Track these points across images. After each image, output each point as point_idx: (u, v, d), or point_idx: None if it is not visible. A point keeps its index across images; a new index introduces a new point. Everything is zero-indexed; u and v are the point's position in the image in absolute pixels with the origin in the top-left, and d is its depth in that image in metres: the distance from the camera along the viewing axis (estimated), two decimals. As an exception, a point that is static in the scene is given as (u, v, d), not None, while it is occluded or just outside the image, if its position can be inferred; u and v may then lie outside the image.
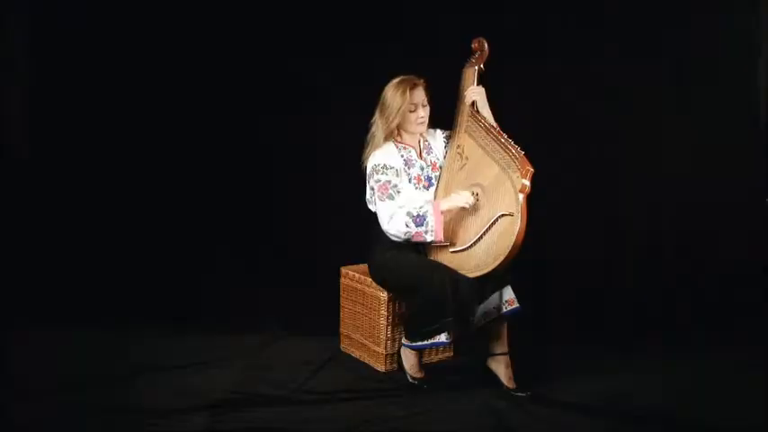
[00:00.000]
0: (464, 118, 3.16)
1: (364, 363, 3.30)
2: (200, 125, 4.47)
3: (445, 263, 2.98)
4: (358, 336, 3.35)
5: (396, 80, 3.10)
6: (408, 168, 3.13)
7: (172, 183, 4.45)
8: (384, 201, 3.04)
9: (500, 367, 2.99)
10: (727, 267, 4.16)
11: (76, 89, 4.37)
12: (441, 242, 3.02)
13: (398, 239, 3.05)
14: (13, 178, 4.30)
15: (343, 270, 3.46)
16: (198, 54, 4.41)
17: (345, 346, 3.46)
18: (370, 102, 3.32)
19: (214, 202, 4.50)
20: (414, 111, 3.09)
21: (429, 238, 2.99)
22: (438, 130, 3.28)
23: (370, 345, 3.26)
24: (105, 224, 4.41)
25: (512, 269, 2.93)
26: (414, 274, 2.97)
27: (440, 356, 3.37)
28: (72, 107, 4.37)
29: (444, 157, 3.23)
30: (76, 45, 4.33)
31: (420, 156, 3.19)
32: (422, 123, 3.13)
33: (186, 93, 4.40)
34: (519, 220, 2.78)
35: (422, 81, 3.12)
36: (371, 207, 3.16)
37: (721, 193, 4.19)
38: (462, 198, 2.96)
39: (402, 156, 3.14)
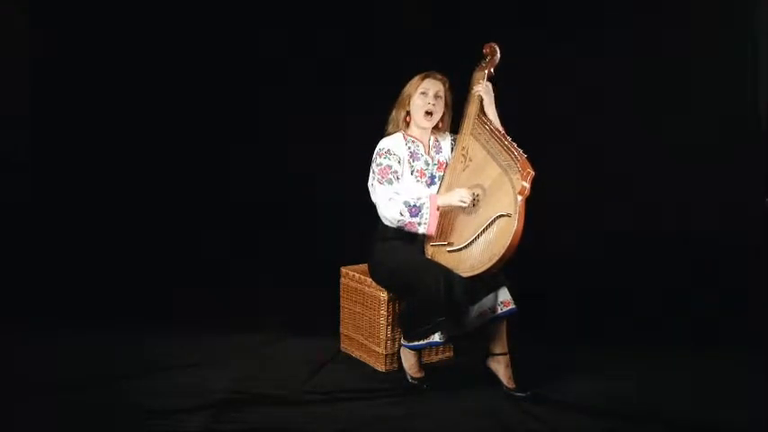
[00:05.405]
0: (470, 121, 3.16)
1: (364, 363, 3.31)
2: (201, 126, 4.48)
3: (441, 262, 2.99)
4: (358, 336, 3.35)
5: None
6: (413, 161, 3.14)
7: (172, 183, 4.46)
8: (383, 184, 3.06)
9: (500, 367, 2.99)
10: (727, 267, 4.17)
11: (76, 90, 4.38)
12: (432, 236, 3.04)
13: (391, 225, 3.06)
14: (14, 178, 4.31)
15: (343, 270, 3.46)
16: (197, 54, 4.42)
17: (345, 346, 3.46)
18: (372, 102, 3.32)
19: (214, 202, 4.51)
20: (424, 95, 3.11)
21: (422, 230, 3.01)
22: (449, 134, 3.28)
23: (370, 345, 3.26)
24: (105, 224, 4.42)
25: (507, 271, 2.94)
26: (409, 273, 2.97)
27: (440, 356, 3.37)
28: (71, 108, 4.39)
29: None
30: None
31: (427, 152, 3.19)
32: (428, 114, 3.13)
33: (185, 92, 4.40)
34: (516, 222, 2.79)
35: (443, 78, 3.16)
36: (372, 194, 3.16)
37: (721, 193, 4.20)
38: (456, 196, 2.96)
39: (409, 148, 3.15)
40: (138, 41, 4.37)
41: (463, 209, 3.00)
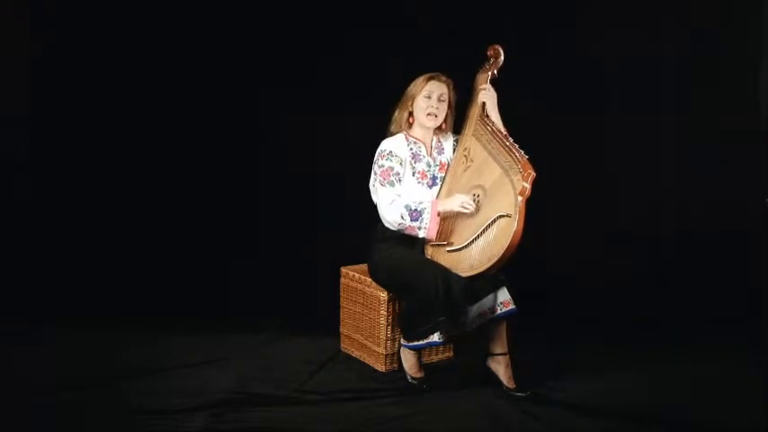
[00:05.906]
0: (473, 122, 3.16)
1: (364, 363, 3.31)
2: (202, 125, 4.47)
3: (441, 262, 2.99)
4: (358, 336, 3.35)
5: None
6: (415, 162, 3.13)
7: (173, 183, 4.46)
8: (384, 186, 3.06)
9: (500, 367, 2.99)
10: (727, 267, 4.17)
11: (76, 90, 4.38)
12: (432, 240, 3.04)
13: (392, 227, 3.06)
14: (14, 178, 4.31)
15: (343, 270, 3.46)
16: (198, 54, 4.42)
17: (345, 346, 3.46)
18: (374, 102, 3.32)
19: (215, 202, 4.51)
20: (428, 98, 3.09)
21: (421, 234, 3.03)
22: (451, 135, 3.28)
23: (370, 345, 3.26)
24: (105, 224, 4.41)
25: (507, 271, 2.94)
26: (408, 273, 2.97)
27: (440, 356, 3.38)
28: (71, 108, 4.38)
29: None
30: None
31: (429, 153, 3.18)
32: (431, 116, 3.11)
33: (185, 92, 4.40)
34: (516, 222, 2.79)
35: (447, 80, 3.15)
36: (374, 195, 3.16)
37: (721, 193, 4.19)
38: (457, 202, 2.96)
39: (411, 149, 3.14)
40: (138, 41, 4.37)
41: (462, 213, 3.00)
